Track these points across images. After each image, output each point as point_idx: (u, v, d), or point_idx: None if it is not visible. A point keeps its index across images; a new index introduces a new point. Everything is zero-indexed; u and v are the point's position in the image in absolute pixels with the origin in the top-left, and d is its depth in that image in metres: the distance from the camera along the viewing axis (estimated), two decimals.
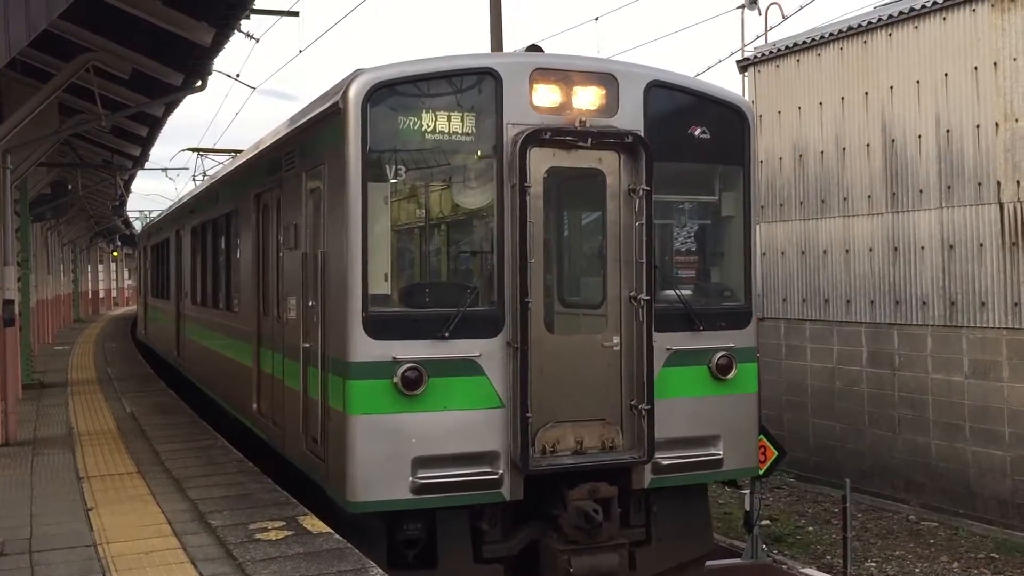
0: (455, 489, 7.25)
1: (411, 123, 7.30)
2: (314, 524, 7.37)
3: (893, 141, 15.10)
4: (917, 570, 11.47)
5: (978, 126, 13.71)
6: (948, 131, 14.20)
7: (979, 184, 13.71)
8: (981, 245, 13.64)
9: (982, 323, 13.62)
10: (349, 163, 7.16)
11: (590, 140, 7.54)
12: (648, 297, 7.58)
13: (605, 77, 7.75)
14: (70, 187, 23.31)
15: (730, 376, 8.06)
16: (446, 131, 7.36)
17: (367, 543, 7.07)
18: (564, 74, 7.63)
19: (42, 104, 12.29)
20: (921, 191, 14.62)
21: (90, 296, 53.25)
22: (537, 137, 7.39)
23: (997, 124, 13.44)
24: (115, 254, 60.89)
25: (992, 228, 13.49)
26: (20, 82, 13.58)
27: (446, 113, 7.36)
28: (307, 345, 8.23)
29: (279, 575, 6.16)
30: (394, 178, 7.53)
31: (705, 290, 8.69)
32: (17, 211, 15.37)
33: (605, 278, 7.82)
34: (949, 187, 14.19)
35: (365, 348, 7.10)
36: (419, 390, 7.11)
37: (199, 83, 12.22)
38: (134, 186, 29.94)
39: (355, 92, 7.19)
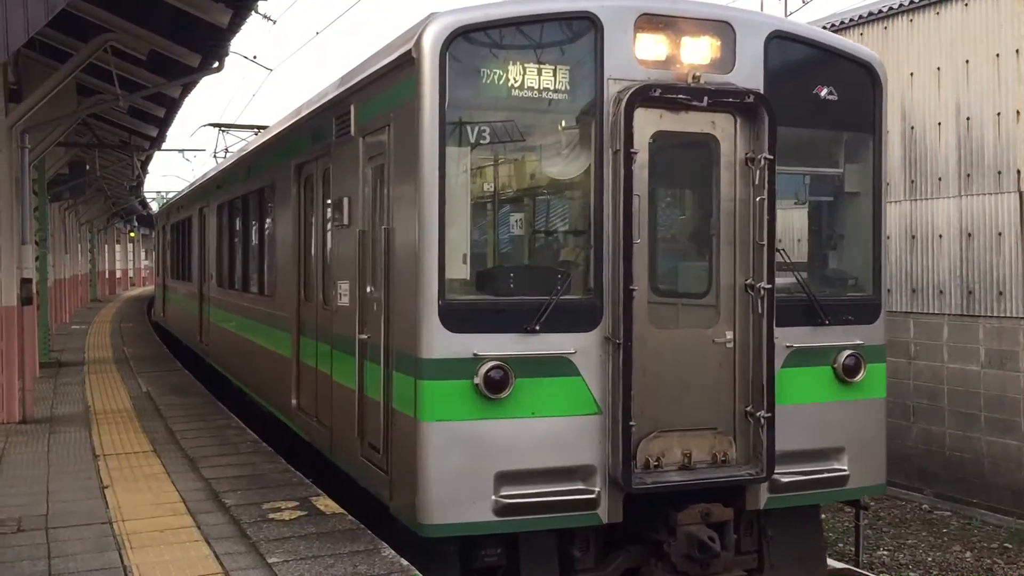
0: (544, 510, 6.25)
1: (496, 77, 6.23)
2: (327, 505, 7.41)
3: (912, 128, 14.98)
4: (929, 559, 11.44)
5: (999, 114, 13.57)
6: (968, 119, 14.06)
7: (999, 173, 13.58)
8: (1000, 234, 13.53)
9: (999, 312, 13.53)
10: (423, 123, 6.12)
11: (706, 99, 6.45)
12: (769, 285, 6.53)
13: (720, 26, 6.66)
14: (87, 167, 23.41)
15: (857, 379, 7.01)
16: (535, 87, 6.29)
17: (437, 569, 6.33)
18: (673, 21, 6.55)
19: (60, 84, 12.35)
20: (940, 179, 14.51)
21: (107, 276, 53.55)
22: (645, 95, 6.29)
23: (1018, 112, 13.30)
24: (132, 234, 61.18)
25: (1011, 217, 13.38)
26: (38, 62, 13.63)
27: (536, 66, 6.29)
28: (365, 337, 7.27)
29: (292, 554, 6.21)
30: (476, 142, 6.39)
31: (826, 278, 7.51)
32: (35, 190, 15.46)
33: (712, 262, 6.83)
34: (968, 175, 14.07)
35: (441, 343, 6.10)
36: (504, 393, 6.12)
37: (216, 64, 12.22)
38: (151, 166, 30.01)
39: (432, 38, 6.11)
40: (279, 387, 10.24)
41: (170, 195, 33.37)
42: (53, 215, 24.86)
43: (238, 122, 28.62)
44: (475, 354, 6.10)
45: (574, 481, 6.31)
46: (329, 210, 8.36)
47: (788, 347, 6.77)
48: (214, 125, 24.28)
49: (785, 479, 6.75)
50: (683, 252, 7.50)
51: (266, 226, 11.58)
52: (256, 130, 22.30)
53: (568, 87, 6.38)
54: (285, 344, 9.94)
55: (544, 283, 6.42)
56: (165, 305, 24.67)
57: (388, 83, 6.88)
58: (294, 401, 9.58)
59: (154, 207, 45.20)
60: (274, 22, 15.82)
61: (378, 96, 7.16)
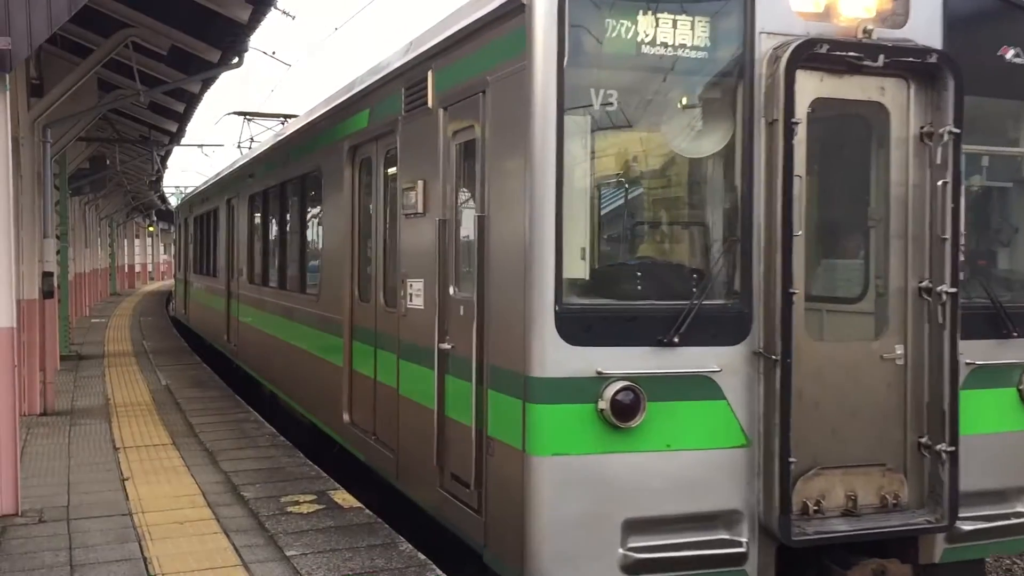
0: (679, 566, 5.13)
1: (623, 30, 5.10)
2: (345, 499, 7.45)
3: None
4: None
5: None
6: None
7: None
8: None
9: None
10: (536, 85, 4.98)
11: (882, 58, 5.25)
12: (954, 289, 5.32)
13: None
14: (108, 162, 23.58)
15: None
16: (669, 42, 5.16)
17: None
18: None
19: (82, 79, 12.45)
20: None
21: (126, 270, 53.90)
22: (808, 52, 5.13)
23: None
24: (151, 229, 61.55)
25: None
26: (60, 57, 13.74)
27: (671, 17, 5.15)
28: (447, 347, 6.14)
29: (310, 548, 6.25)
30: (599, 110, 5.15)
31: (1007, 281, 6.20)
32: (56, 185, 15.58)
33: (870, 260, 5.75)
34: None
35: (558, 358, 4.97)
36: (635, 420, 5.00)
37: (236, 60, 12.29)
38: (170, 161, 30.14)
39: None
40: (326, 398, 9.16)
41: (188, 190, 33.15)
42: (74, 209, 25.05)
43: (242, 136, 27.30)
44: (599, 372, 5.00)
45: (716, 530, 5.19)
46: (394, 196, 7.29)
47: (969, 364, 5.54)
48: (239, 113, 22.84)
49: (966, 526, 5.56)
50: (833, 247, 6.21)
51: (310, 217, 10.57)
52: (283, 119, 21.81)
53: (709, 43, 5.22)
54: (334, 350, 8.80)
55: (679, 285, 5.36)
56: (187, 302, 23.51)
57: (483, 42, 5.77)
58: (346, 416, 8.45)
59: (173, 201, 45.42)
60: (293, 18, 15.84)
61: (468, 58, 6.02)
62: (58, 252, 14.34)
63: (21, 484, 7.30)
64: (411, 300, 6.86)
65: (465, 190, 6.17)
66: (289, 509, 7.17)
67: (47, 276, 12.16)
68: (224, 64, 12.56)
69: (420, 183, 6.60)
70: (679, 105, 5.42)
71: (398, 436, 7.13)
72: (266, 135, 21.26)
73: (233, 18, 10.96)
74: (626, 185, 5.66)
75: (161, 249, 75.62)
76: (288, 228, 11.75)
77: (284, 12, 15.64)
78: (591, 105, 5.11)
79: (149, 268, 68.99)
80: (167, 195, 46.89)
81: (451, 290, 6.16)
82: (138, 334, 23.21)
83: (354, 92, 8.44)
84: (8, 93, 7.06)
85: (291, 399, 11.02)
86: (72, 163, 20.21)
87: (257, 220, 13.73)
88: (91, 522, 6.95)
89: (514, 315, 5.19)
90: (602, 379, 5.00)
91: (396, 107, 7.21)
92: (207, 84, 14.76)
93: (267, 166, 12.78)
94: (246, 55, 12.28)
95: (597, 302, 5.20)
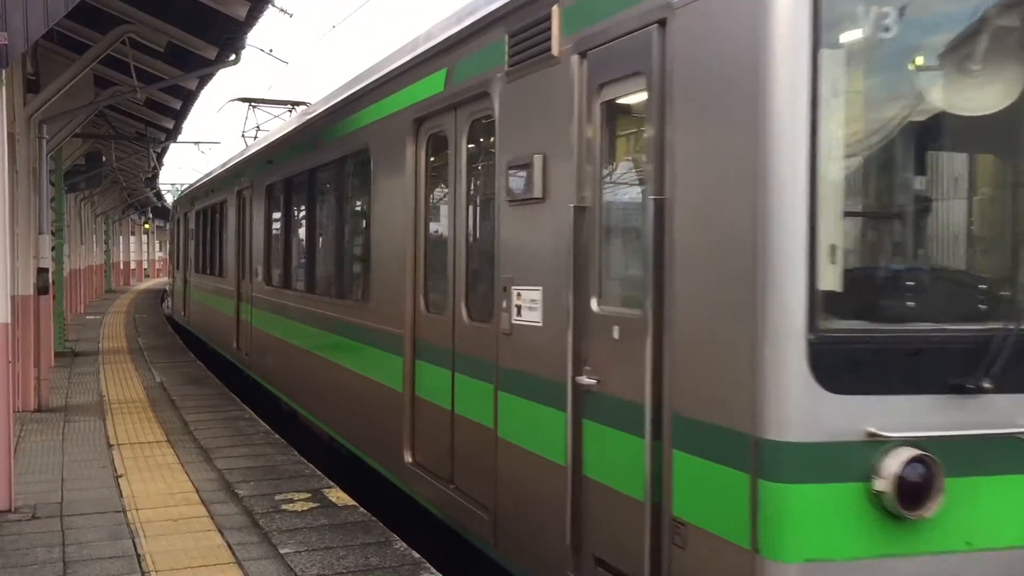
0: None
1: None
2: (339, 497, 7.44)
3: None
4: None
5: None
6: None
7: None
8: None
9: None
10: (773, 6, 3.42)
11: None
12: None
13: None
14: (104, 158, 23.54)
15: None
16: None
17: None
18: None
19: (78, 75, 12.45)
20: None
21: (121, 267, 53.85)
22: None
23: None
24: (146, 226, 61.48)
25: None
26: (57, 53, 13.72)
27: None
28: (589, 382, 4.52)
29: (304, 545, 6.24)
30: (873, 35, 3.59)
31: None
32: (52, 181, 15.55)
33: None
34: None
35: (815, 411, 3.40)
36: (929, 507, 3.46)
37: (233, 57, 12.26)
38: (166, 158, 30.07)
39: None
40: (376, 428, 7.63)
41: (184, 187, 32.90)
42: (69, 206, 25.00)
43: (247, 125, 26.10)
44: (872, 434, 3.42)
45: None
46: (484, 179, 6.05)
47: None
48: (243, 100, 21.21)
49: None
50: None
51: (352, 208, 8.98)
52: (291, 106, 21.10)
53: None
54: (388, 370, 7.26)
55: (975, 303, 3.85)
56: (188, 305, 21.58)
57: None
58: (408, 455, 6.89)
59: (169, 199, 45.35)
60: (291, 15, 15.86)
61: None
62: (53, 248, 14.32)
63: (15, 480, 7.28)
64: (519, 314, 5.25)
65: (619, 165, 4.72)
66: (283, 507, 7.17)
67: (42, 272, 12.14)
68: (221, 61, 12.54)
69: (537, 159, 5.01)
70: (959, 40, 3.79)
71: (496, 491, 5.50)
72: (273, 123, 20.64)
73: (231, 15, 10.94)
74: (902, 153, 3.90)
75: (156, 246, 75.58)
76: (321, 222, 10.17)
77: (282, 10, 15.62)
78: (858, 31, 3.57)
79: (144, 265, 68.98)
80: (163, 192, 46.85)
81: (593, 303, 4.56)
82: (133, 331, 23.19)
83: (421, 51, 6.74)
84: (4, 89, 7.04)
85: (327, 424, 9.26)
86: (68, 159, 20.18)
87: (278, 213, 12.10)
88: (85, 519, 6.94)
89: (728, 344, 3.61)
90: (878, 444, 3.42)
91: (492, 61, 5.60)
92: (204, 81, 14.74)
93: (292, 150, 11.05)
94: (243, 52, 12.27)
95: (862, 327, 3.57)
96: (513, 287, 5.33)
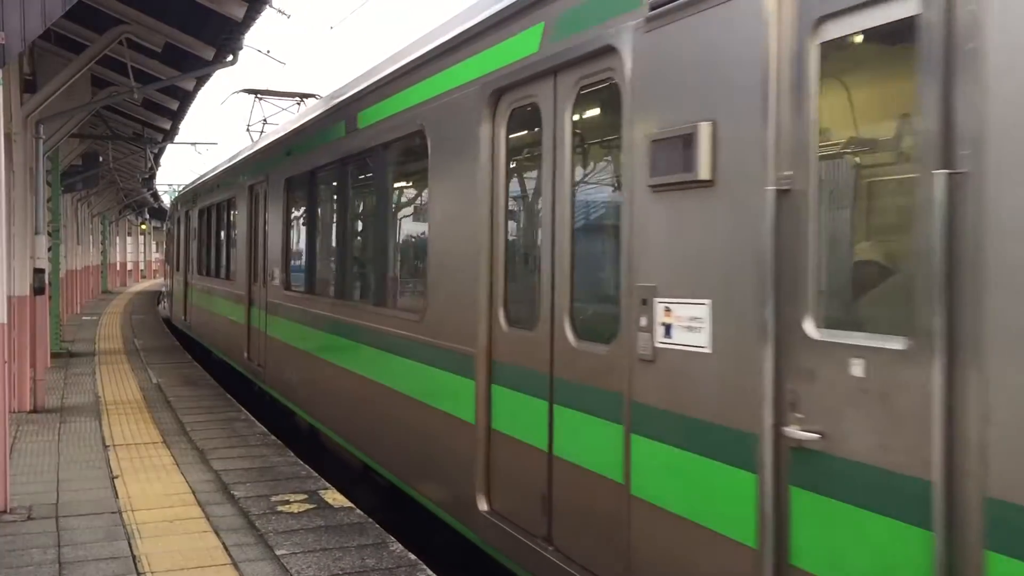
0: None
1: None
2: (335, 498, 7.43)
3: None
4: None
5: None
6: None
7: None
8: None
9: None
10: None
11: None
12: None
13: None
14: (101, 159, 23.54)
15: None
16: None
17: None
18: None
19: (75, 76, 12.44)
20: None
21: (118, 268, 53.80)
22: None
23: None
24: (143, 227, 61.44)
25: None
26: (54, 53, 13.71)
27: None
28: (807, 437, 3.30)
29: (300, 547, 6.23)
30: None
31: None
32: (48, 181, 15.54)
33: None
34: None
35: None
36: None
37: (230, 58, 12.26)
38: (163, 159, 30.02)
39: None
40: (434, 464, 6.51)
41: (180, 187, 32.80)
42: (66, 206, 24.97)
43: (252, 119, 25.62)
44: None
45: None
46: (591, 160, 5.09)
47: None
48: (249, 91, 20.02)
49: None
50: None
51: (398, 204, 8.05)
52: (299, 98, 19.94)
53: None
54: (454, 396, 6.08)
55: None
56: (189, 309, 20.23)
57: None
58: (484, 503, 5.73)
59: (166, 199, 45.32)
60: (288, 16, 15.83)
61: None
62: (50, 249, 14.29)
63: (10, 481, 7.26)
64: (668, 335, 4.08)
65: (850, 128, 3.56)
66: (280, 508, 7.16)
67: (38, 273, 12.11)
68: (219, 62, 12.53)
69: (704, 128, 3.82)
70: None
71: (629, 561, 4.29)
72: (282, 116, 19.90)
73: (228, 15, 10.94)
74: None
75: (153, 247, 75.54)
76: (357, 220, 9.02)
77: (279, 11, 15.56)
78: None
79: (141, 266, 68.92)
80: (160, 192, 46.82)
81: (808, 326, 3.35)
82: (129, 332, 23.16)
83: (503, 5, 5.55)
84: (1, 89, 7.03)
85: (361, 450, 8.13)
86: (65, 160, 20.15)
87: (300, 210, 10.89)
88: (80, 520, 6.92)
89: None
90: None
91: (621, 6, 4.45)
92: (201, 82, 14.73)
93: (317, 138, 9.82)
94: (240, 53, 12.27)
95: None
96: (657, 300, 4.13)
